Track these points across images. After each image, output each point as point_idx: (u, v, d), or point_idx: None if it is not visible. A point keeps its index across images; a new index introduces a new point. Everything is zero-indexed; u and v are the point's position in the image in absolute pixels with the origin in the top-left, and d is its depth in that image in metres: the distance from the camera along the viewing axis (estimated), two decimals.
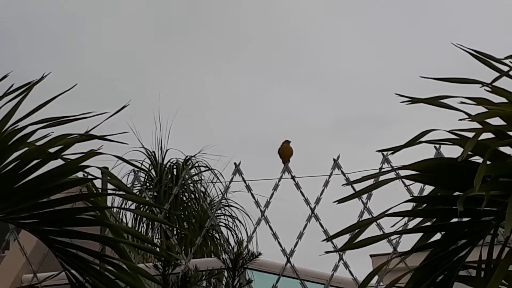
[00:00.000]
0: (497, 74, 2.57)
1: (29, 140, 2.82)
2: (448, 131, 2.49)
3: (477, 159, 2.45)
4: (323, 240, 2.90)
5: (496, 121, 2.45)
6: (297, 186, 7.39)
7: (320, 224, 7.20)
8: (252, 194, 7.44)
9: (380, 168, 6.84)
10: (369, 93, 19.80)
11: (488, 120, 2.46)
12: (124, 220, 11.27)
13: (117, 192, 3.26)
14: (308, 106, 20.96)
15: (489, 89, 2.54)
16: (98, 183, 3.16)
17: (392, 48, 21.48)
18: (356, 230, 2.61)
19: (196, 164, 12.19)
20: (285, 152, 7.84)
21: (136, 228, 11.36)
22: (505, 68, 2.59)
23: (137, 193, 10.68)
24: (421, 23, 20.98)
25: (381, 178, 2.60)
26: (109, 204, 6.56)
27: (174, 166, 12.07)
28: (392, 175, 2.59)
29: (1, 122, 2.84)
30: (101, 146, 2.92)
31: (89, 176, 2.97)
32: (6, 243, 8.75)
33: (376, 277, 2.82)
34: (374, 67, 21.24)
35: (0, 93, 2.95)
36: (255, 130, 19.28)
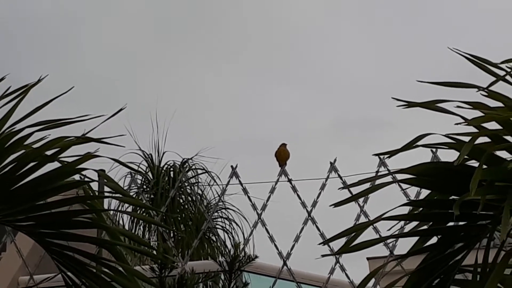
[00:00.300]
0: (494, 78, 2.58)
1: (26, 143, 2.82)
2: (445, 135, 2.49)
3: (473, 163, 2.46)
4: (320, 244, 2.90)
5: (492, 125, 2.46)
6: (294, 189, 7.39)
7: (317, 227, 7.20)
8: (248, 197, 7.45)
9: (377, 172, 6.85)
10: (369, 93, 19.77)
11: (484, 125, 2.47)
12: (120, 222, 11.26)
13: (113, 195, 3.25)
14: (308, 106, 20.93)
15: (486, 94, 2.54)
16: (94, 185, 3.16)
17: (392, 49, 21.46)
18: (353, 234, 2.61)
19: (193, 167, 12.19)
20: (281, 155, 7.86)
21: (133, 231, 11.35)
22: (502, 73, 2.59)
23: (134, 196, 10.69)
24: (421, 23, 20.95)
25: (378, 181, 2.60)
26: (105, 206, 6.56)
27: (171, 169, 12.07)
28: (388, 178, 2.60)
29: None
30: (98, 149, 2.92)
31: (86, 179, 2.97)
32: (2, 245, 8.74)
33: (372, 280, 2.82)
34: (374, 67, 21.25)
35: None
36: (255, 131, 19.30)
